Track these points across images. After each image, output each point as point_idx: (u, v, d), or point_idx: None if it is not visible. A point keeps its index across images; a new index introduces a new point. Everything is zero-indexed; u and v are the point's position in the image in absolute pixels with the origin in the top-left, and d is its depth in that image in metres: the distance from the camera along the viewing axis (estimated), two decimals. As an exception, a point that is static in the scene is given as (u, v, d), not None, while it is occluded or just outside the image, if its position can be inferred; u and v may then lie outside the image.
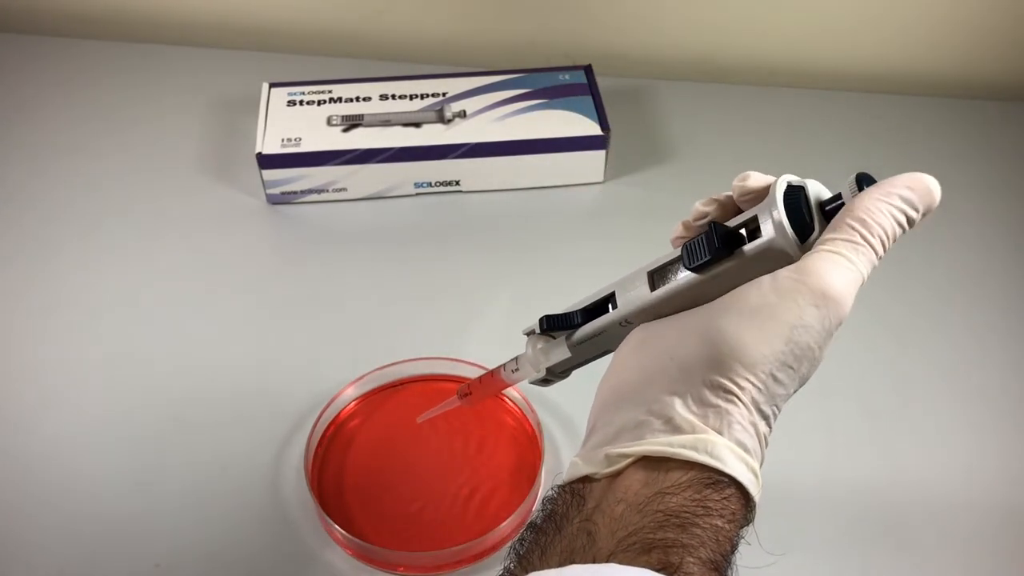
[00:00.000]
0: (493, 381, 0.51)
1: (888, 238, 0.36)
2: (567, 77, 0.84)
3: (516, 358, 0.50)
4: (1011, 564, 0.57)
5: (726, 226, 0.38)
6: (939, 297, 0.73)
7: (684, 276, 0.40)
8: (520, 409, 0.63)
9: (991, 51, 0.91)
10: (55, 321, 0.70)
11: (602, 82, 0.83)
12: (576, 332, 0.45)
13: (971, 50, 0.92)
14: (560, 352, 0.46)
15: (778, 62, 0.94)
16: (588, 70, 0.84)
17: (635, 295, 0.42)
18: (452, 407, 0.55)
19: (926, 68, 0.93)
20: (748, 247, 0.38)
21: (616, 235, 0.77)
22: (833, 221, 0.37)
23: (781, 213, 0.37)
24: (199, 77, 0.91)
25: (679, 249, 0.40)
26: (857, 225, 0.36)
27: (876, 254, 0.36)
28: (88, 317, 0.70)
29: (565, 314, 0.45)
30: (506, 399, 0.63)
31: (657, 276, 0.41)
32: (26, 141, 0.84)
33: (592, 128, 0.79)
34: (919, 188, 0.37)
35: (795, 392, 0.38)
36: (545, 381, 0.49)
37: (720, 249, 0.37)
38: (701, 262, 0.38)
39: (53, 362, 0.67)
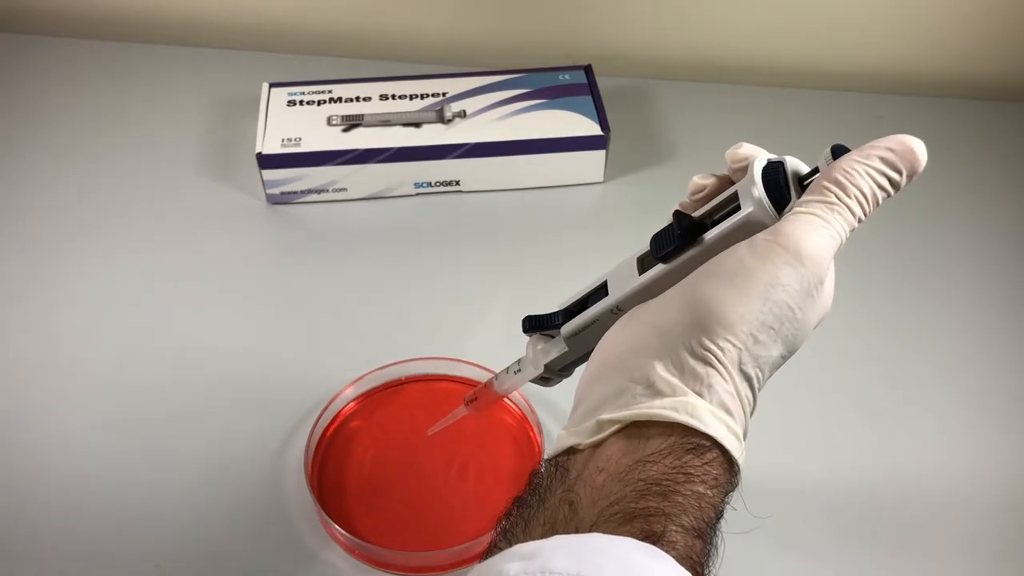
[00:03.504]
0: (497, 385, 0.52)
1: (866, 199, 0.36)
2: (567, 77, 0.84)
3: (518, 360, 0.50)
4: (1011, 563, 0.57)
5: (690, 215, 0.40)
6: (939, 296, 0.73)
7: (660, 265, 0.41)
8: (520, 409, 0.63)
9: (991, 51, 0.91)
10: (55, 321, 0.70)
11: (602, 82, 0.83)
12: (570, 324, 0.45)
13: (971, 50, 0.92)
14: (557, 348, 0.46)
15: (778, 62, 0.94)
16: (588, 70, 0.84)
17: (625, 281, 0.42)
18: (461, 416, 0.55)
19: (926, 68, 0.93)
20: (726, 224, 0.38)
21: (616, 235, 0.76)
22: (810, 187, 0.38)
23: (759, 187, 0.38)
24: (199, 77, 0.91)
25: None
26: (832, 186, 0.37)
27: (853, 214, 0.36)
28: (88, 317, 0.70)
29: (547, 314, 0.46)
30: (506, 399, 0.63)
31: (646, 261, 0.42)
32: (26, 141, 0.84)
33: (592, 128, 0.79)
34: (901, 149, 0.37)
35: (783, 359, 0.38)
36: (546, 380, 0.49)
37: (683, 237, 0.39)
38: (667, 251, 0.39)
39: (53, 361, 0.67)
